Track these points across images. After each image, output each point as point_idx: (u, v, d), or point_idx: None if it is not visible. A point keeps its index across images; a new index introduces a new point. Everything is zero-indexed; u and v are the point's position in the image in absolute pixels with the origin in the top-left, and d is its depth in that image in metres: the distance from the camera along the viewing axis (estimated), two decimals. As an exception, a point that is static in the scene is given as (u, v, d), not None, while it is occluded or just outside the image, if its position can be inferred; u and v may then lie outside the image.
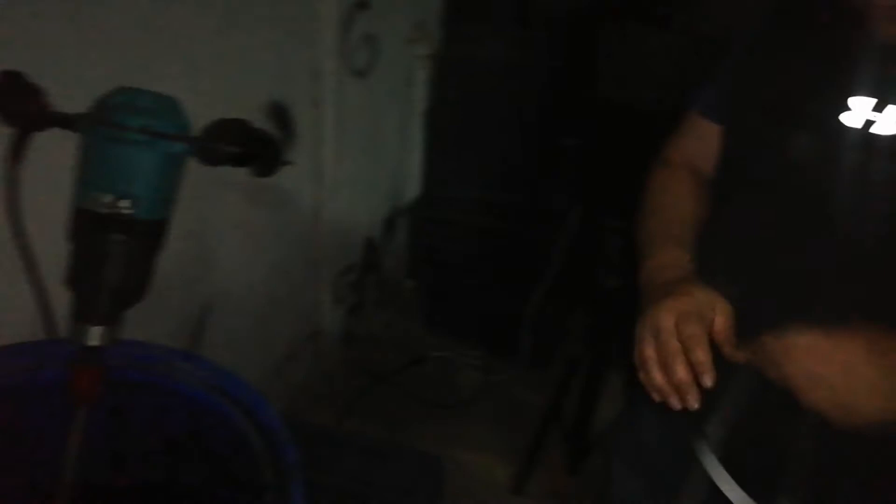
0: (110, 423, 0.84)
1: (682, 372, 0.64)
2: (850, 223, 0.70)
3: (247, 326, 1.48)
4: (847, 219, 0.70)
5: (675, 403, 0.66)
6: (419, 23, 1.96)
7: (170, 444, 0.88)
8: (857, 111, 0.69)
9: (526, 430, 1.76)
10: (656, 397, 0.67)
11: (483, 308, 2.12)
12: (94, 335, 0.69)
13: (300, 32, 1.46)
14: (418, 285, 2.30)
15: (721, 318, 0.67)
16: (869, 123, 0.68)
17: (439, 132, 2.08)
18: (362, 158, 1.83)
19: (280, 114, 1.44)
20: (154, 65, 1.03)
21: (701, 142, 0.89)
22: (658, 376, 0.66)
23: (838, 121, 0.69)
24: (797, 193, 0.74)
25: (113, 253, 0.68)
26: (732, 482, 0.67)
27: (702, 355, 0.64)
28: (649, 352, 0.67)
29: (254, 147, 0.72)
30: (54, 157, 0.70)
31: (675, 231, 0.83)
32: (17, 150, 0.69)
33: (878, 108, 0.67)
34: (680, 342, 0.65)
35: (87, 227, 0.68)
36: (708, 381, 0.63)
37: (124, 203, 0.66)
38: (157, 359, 0.82)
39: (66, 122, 0.67)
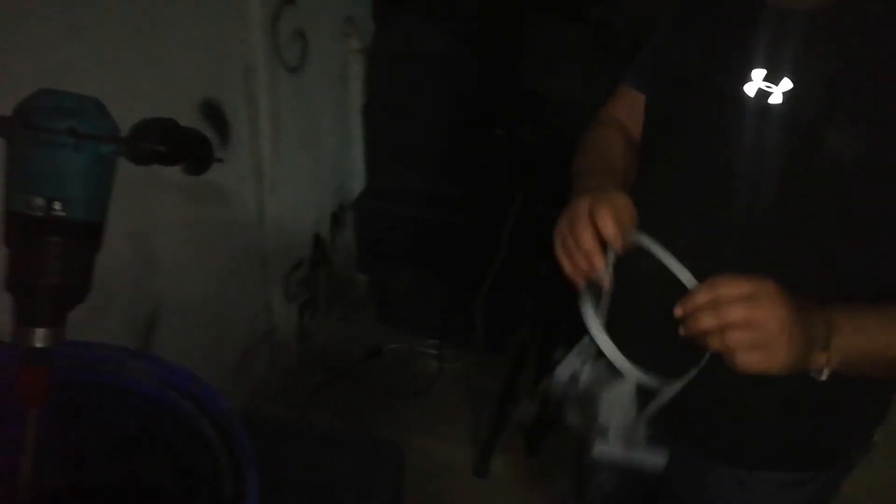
0: (67, 424, 0.84)
1: (588, 241, 0.69)
2: (747, 192, 0.74)
3: (199, 326, 1.48)
4: (744, 188, 0.75)
5: (580, 277, 0.71)
6: (350, 17, 1.97)
7: (126, 442, 0.88)
8: (756, 82, 0.73)
9: (484, 414, 1.80)
10: (567, 267, 0.73)
11: (434, 298, 2.15)
12: (39, 337, 0.70)
13: (229, 29, 1.46)
14: (369, 279, 2.32)
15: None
16: (766, 94, 0.72)
17: (378, 126, 2.09)
18: (302, 154, 1.83)
19: (214, 112, 1.44)
20: (76, 67, 1.02)
21: (631, 111, 0.93)
22: (566, 249, 0.72)
23: (741, 92, 0.73)
24: (704, 163, 0.78)
25: (50, 255, 0.68)
26: (614, 348, 0.71)
27: (610, 229, 0.69)
28: (562, 229, 0.73)
29: (182, 145, 0.72)
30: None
31: (602, 166, 0.88)
32: None
33: (770, 78, 0.72)
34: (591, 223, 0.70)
35: (22, 230, 0.68)
36: (617, 245, 0.69)
37: (57, 206, 0.67)
38: (106, 358, 0.82)
39: None
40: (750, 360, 0.61)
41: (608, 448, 0.73)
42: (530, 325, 2.04)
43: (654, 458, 0.73)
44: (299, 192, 1.84)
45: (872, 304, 0.69)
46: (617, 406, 0.73)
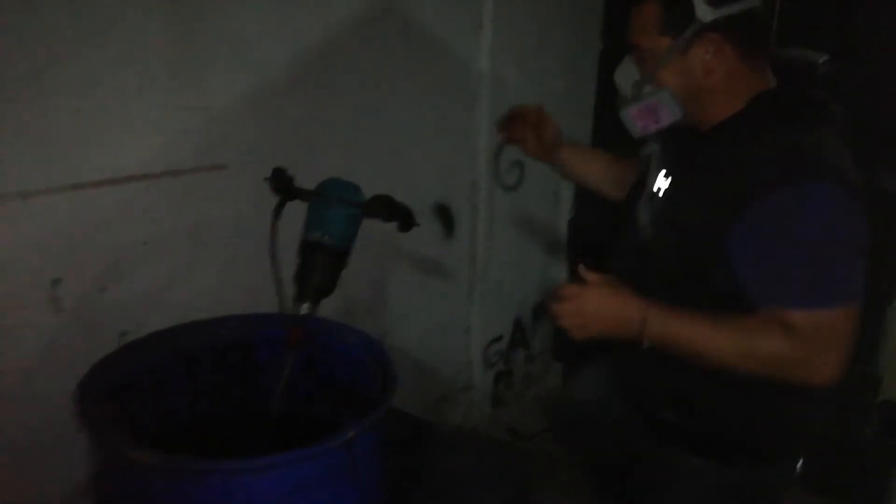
0: (306, 372, 1.37)
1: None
2: (646, 248, 1.23)
3: (410, 361, 2.00)
4: (644, 244, 1.23)
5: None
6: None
7: (339, 391, 1.38)
8: (660, 181, 1.22)
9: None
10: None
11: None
12: (304, 309, 1.15)
13: (461, 156, 2.07)
14: (565, 369, 2.68)
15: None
16: (659, 189, 1.24)
17: (581, 236, 2.54)
18: (512, 252, 2.35)
19: (444, 211, 2.04)
20: (358, 171, 1.67)
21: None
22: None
23: (653, 187, 1.24)
24: (633, 228, 1.26)
25: (318, 264, 1.14)
26: None
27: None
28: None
29: (396, 212, 1.19)
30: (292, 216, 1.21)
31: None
32: (278, 211, 1.18)
33: (667, 178, 1.22)
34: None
35: (306, 249, 1.15)
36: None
37: (325, 237, 1.13)
38: (331, 329, 1.34)
39: (302, 195, 1.18)
40: (574, 331, 1.12)
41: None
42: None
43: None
44: (505, 281, 2.35)
45: (698, 311, 1.08)
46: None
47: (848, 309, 1.04)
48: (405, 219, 1.21)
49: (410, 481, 1.45)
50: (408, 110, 1.81)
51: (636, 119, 1.17)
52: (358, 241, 1.16)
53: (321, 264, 1.13)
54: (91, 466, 0.98)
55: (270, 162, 1.19)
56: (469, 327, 2.25)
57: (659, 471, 1.30)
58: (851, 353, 1.04)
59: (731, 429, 1.20)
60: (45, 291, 1.14)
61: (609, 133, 1.58)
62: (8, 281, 1.09)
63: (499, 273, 2.28)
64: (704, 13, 1.08)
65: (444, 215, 2.06)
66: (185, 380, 1.30)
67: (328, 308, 1.18)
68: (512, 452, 1.83)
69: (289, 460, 0.93)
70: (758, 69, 1.15)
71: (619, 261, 1.33)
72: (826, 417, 1.28)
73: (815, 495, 1.94)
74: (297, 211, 1.15)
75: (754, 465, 1.22)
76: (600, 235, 2.48)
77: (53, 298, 1.15)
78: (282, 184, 1.18)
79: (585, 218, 2.52)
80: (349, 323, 1.33)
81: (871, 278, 1.05)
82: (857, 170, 1.07)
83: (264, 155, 1.31)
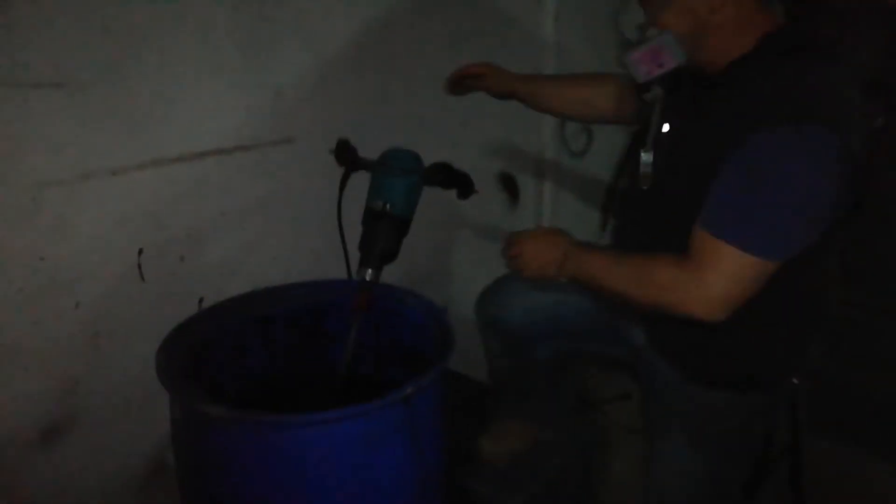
0: (373, 335, 1.43)
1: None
2: (652, 194, 1.22)
3: (474, 331, 2.03)
4: (651, 191, 1.22)
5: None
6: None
7: (404, 355, 1.44)
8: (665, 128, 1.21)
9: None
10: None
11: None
12: (368, 275, 1.18)
13: (528, 123, 2.07)
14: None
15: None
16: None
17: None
18: (578, 220, 2.34)
19: (508, 180, 2.05)
20: (421, 142, 1.70)
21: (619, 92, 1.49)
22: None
23: (657, 135, 1.22)
24: (639, 176, 1.24)
25: (380, 233, 1.17)
26: None
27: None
28: None
29: (454, 179, 1.22)
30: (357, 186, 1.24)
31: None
32: (344, 181, 1.23)
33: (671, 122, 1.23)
34: None
35: (369, 217, 1.18)
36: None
37: (387, 206, 1.16)
38: (399, 295, 1.39)
39: (365, 165, 1.21)
40: (520, 273, 1.26)
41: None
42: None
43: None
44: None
45: (615, 252, 1.20)
46: None
47: (756, 259, 1.02)
48: (464, 186, 1.23)
49: (472, 444, 1.50)
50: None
51: (639, 63, 1.13)
52: (423, 210, 1.19)
53: (384, 232, 1.17)
54: (172, 422, 1.07)
55: (335, 134, 1.23)
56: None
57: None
58: (744, 299, 1.04)
59: (712, 358, 1.21)
60: (130, 262, 1.24)
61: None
62: (99, 252, 1.19)
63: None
64: None
65: (509, 184, 2.07)
66: (259, 343, 1.38)
67: (392, 276, 1.23)
68: (576, 418, 1.85)
69: (347, 415, 0.99)
70: (766, 6, 1.10)
71: (628, 208, 1.35)
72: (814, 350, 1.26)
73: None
74: (362, 181, 1.19)
75: (740, 391, 1.22)
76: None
77: (138, 268, 1.25)
78: (345, 155, 1.21)
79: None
80: (417, 287, 1.37)
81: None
82: (861, 110, 1.02)
83: (329, 128, 1.35)
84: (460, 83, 1.50)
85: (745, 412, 1.25)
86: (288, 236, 1.49)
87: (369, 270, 1.19)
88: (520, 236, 1.28)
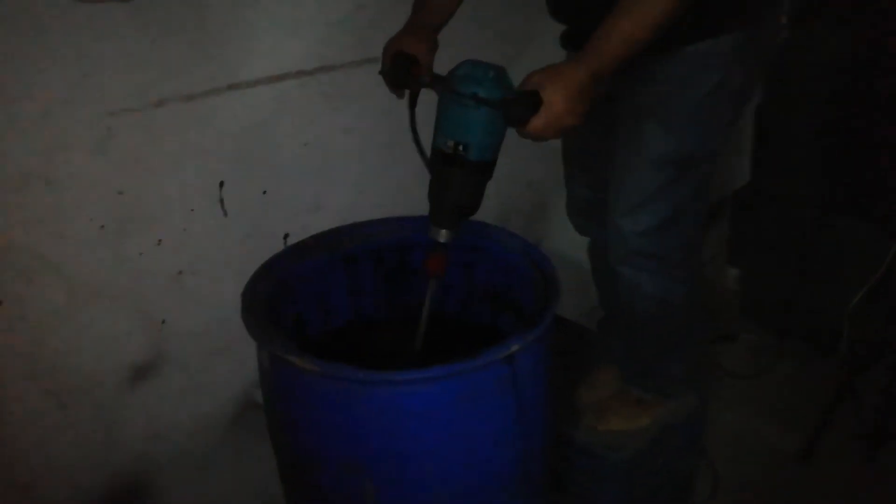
0: (462, 275, 1.34)
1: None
2: None
3: (571, 269, 1.89)
4: None
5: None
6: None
7: (493, 296, 1.34)
8: None
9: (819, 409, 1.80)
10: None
11: (802, 303, 2.16)
12: (442, 235, 0.99)
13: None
14: (739, 274, 2.44)
15: None
16: None
17: (772, 125, 2.22)
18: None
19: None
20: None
21: None
22: None
23: None
24: None
25: (453, 182, 0.94)
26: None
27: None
28: None
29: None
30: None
31: None
32: (412, 106, 1.04)
33: None
34: None
35: (438, 162, 0.95)
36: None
37: (460, 148, 0.91)
38: (492, 232, 1.28)
39: (432, 81, 0.97)
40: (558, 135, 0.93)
41: None
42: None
43: None
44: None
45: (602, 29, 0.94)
46: None
47: None
48: None
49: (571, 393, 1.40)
50: None
51: None
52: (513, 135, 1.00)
53: (457, 181, 0.94)
54: (260, 368, 1.01)
55: None
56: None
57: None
58: None
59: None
60: (211, 195, 1.16)
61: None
62: (176, 184, 1.11)
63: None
64: None
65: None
66: (344, 280, 1.32)
67: (480, 211, 1.09)
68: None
69: (440, 375, 0.90)
70: None
71: None
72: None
73: None
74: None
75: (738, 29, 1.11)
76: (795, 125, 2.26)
77: (220, 202, 1.17)
78: (404, 72, 1.00)
79: (777, 103, 2.20)
80: (504, 226, 1.25)
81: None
82: None
83: None
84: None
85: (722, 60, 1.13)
86: (374, 167, 1.38)
87: (442, 231, 0.98)
88: (538, 105, 0.89)
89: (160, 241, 1.12)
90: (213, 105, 1.12)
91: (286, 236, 1.28)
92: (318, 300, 1.29)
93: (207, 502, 1.30)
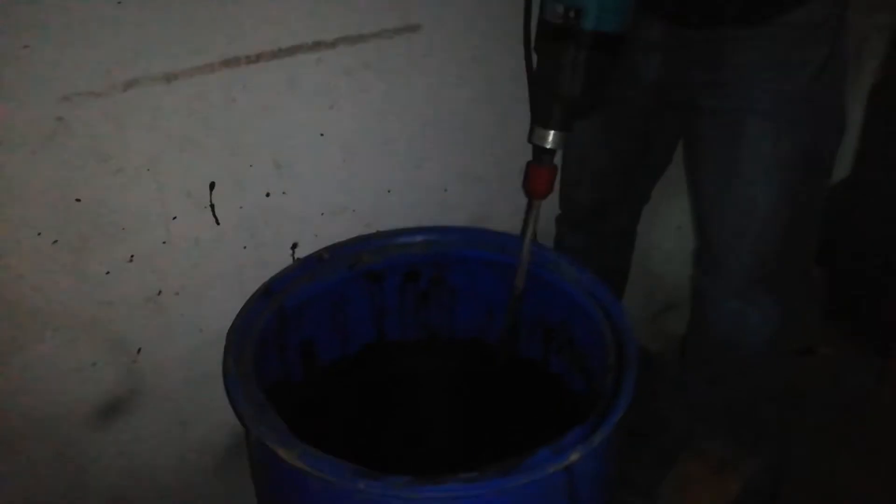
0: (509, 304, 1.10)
1: None
2: None
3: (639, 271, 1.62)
4: None
5: None
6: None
7: (547, 330, 1.10)
8: None
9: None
10: None
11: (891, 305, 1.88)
12: (550, 139, 0.78)
13: None
14: (826, 272, 2.14)
15: None
16: None
17: (886, 111, 1.86)
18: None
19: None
20: None
21: None
22: None
23: None
24: None
25: (562, 61, 0.73)
26: None
27: None
28: None
29: None
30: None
31: None
32: None
33: None
34: None
35: (545, 36, 0.75)
36: None
37: (571, 13, 0.70)
38: (549, 258, 1.04)
39: None
40: None
41: None
42: None
43: None
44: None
45: None
46: None
47: None
48: None
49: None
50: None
51: None
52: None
53: (570, 59, 0.72)
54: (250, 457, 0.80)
55: (475, 19, 0.92)
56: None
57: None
58: None
59: None
60: (199, 199, 0.92)
61: None
62: (153, 187, 0.87)
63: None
64: None
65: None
66: (367, 299, 1.11)
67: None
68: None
69: (480, 491, 0.67)
70: None
71: None
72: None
73: None
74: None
75: None
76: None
77: (209, 206, 0.93)
78: None
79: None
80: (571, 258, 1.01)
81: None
82: None
83: (467, 9, 0.98)
84: None
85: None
86: (408, 163, 1.11)
87: (549, 134, 0.77)
88: None
89: (132, 256, 0.89)
90: (200, 86, 0.86)
91: (294, 246, 1.04)
92: (334, 323, 1.09)
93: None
